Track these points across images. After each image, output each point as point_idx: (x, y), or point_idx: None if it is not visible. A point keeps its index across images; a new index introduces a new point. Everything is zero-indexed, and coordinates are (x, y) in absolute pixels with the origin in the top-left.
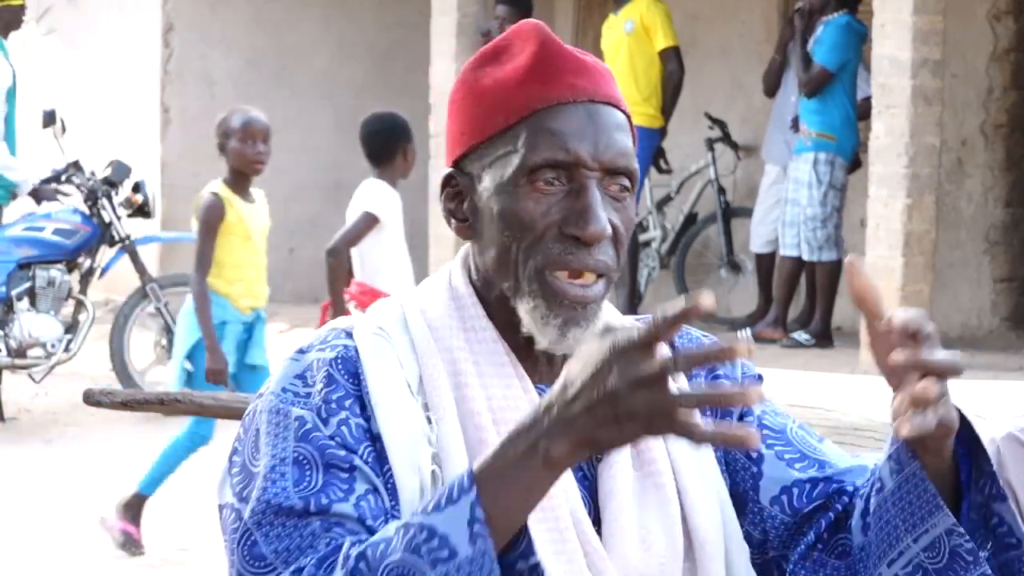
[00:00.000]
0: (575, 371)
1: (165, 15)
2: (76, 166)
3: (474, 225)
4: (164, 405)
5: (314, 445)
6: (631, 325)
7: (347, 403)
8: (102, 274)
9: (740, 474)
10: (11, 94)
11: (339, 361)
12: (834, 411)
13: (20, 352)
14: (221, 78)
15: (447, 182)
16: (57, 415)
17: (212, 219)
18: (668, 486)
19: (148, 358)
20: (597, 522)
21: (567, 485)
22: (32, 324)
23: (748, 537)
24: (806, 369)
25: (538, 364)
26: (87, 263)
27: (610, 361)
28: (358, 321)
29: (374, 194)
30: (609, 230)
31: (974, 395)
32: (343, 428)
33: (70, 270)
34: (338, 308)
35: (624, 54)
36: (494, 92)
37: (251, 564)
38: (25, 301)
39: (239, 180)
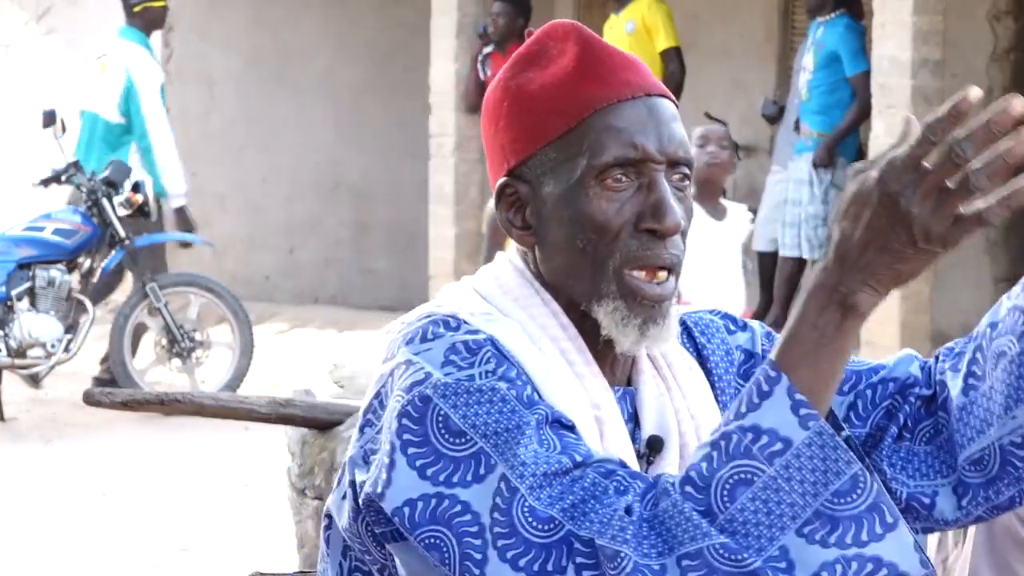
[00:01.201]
0: (847, 221)
1: None
2: (76, 166)
3: (538, 232)
4: (164, 405)
5: (544, 406)
6: (885, 153)
7: (523, 378)
8: (102, 274)
9: None
10: (161, 93)
11: (490, 341)
12: None
13: (20, 352)
14: (221, 78)
15: (502, 191)
16: (57, 415)
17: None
18: None
19: (148, 358)
20: None
21: None
22: (32, 324)
23: None
24: None
25: (607, 366)
26: (87, 263)
27: (887, 191)
28: (454, 308)
29: None
30: (683, 222)
31: None
32: (539, 399)
33: (70, 270)
34: None
35: None
36: (545, 96)
37: (537, 529)
38: (25, 301)
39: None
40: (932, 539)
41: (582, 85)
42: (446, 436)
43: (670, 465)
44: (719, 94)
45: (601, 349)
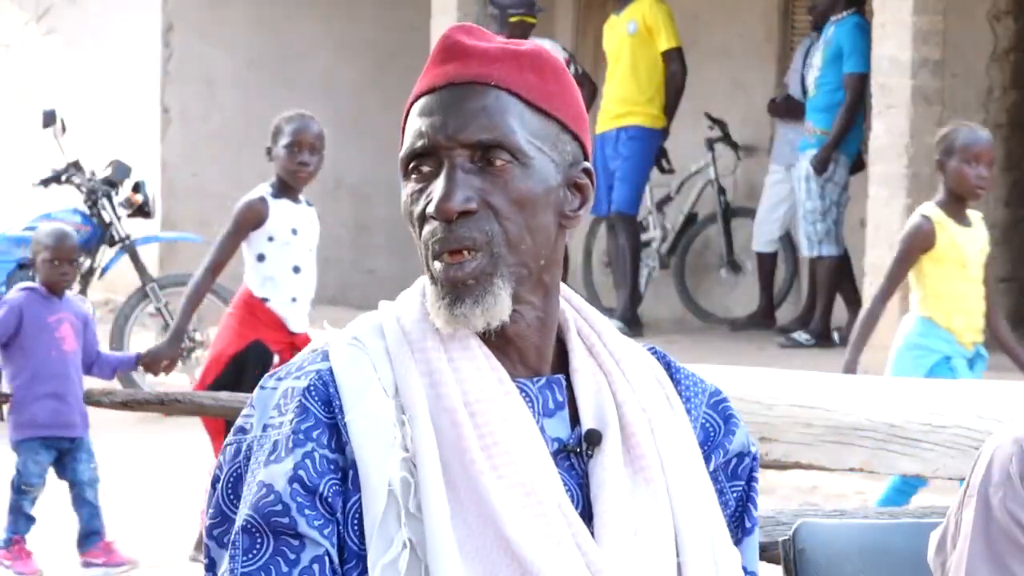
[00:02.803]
0: None
1: (165, 15)
2: (76, 166)
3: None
4: (164, 405)
5: (261, 514)
6: None
7: (315, 434)
8: (102, 274)
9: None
10: None
11: (312, 390)
12: (834, 411)
13: None
14: (221, 78)
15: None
16: None
17: (916, 243)
18: (657, 481)
19: None
20: (589, 515)
21: (550, 475)
22: None
23: None
24: (806, 369)
25: (511, 358)
26: (87, 263)
27: None
28: (334, 336)
29: None
30: (466, 204)
31: (978, 395)
32: (307, 460)
33: None
34: None
35: (627, 55)
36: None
37: None
38: None
39: (955, 202)
40: (932, 541)
41: (415, 90)
42: (230, 493)
43: (610, 458)
44: (719, 94)
45: (499, 340)
